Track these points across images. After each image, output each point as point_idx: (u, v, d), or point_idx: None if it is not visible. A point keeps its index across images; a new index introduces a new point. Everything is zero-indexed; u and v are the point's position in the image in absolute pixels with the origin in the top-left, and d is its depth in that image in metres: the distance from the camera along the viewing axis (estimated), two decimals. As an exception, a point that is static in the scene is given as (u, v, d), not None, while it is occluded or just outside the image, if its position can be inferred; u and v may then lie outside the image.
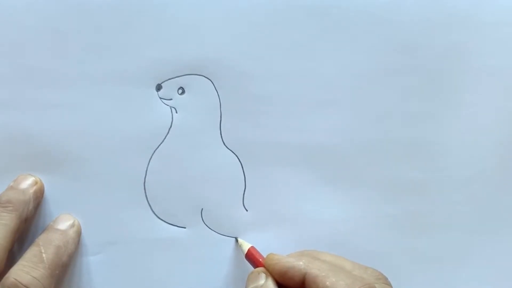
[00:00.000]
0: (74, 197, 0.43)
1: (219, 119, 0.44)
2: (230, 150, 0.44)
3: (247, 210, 0.45)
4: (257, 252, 0.43)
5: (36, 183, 0.42)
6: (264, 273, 0.40)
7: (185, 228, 0.44)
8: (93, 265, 0.44)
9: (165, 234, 0.44)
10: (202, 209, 0.44)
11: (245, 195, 0.44)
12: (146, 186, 0.43)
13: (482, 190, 0.46)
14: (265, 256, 0.41)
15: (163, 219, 0.44)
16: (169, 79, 0.43)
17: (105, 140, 0.43)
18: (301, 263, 0.39)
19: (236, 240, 0.44)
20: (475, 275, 0.46)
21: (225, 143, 0.44)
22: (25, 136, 0.43)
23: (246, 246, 0.43)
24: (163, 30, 0.43)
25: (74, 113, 0.43)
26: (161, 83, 0.43)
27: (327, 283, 0.37)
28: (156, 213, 0.44)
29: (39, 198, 0.43)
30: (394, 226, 0.45)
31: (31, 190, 0.42)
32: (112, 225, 0.43)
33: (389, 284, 0.39)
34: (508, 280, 0.46)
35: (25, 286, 0.38)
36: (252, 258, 0.42)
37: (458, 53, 0.45)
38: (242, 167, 0.44)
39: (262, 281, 0.40)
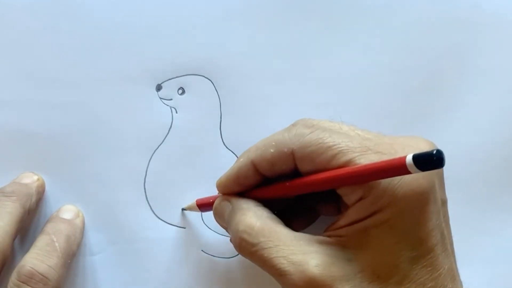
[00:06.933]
0: (74, 197, 0.43)
1: (219, 119, 0.44)
2: (230, 151, 0.44)
3: (247, 210, 0.44)
4: (204, 198, 0.42)
5: (38, 179, 0.43)
6: (224, 199, 0.39)
7: (185, 228, 0.44)
8: (94, 265, 0.44)
9: (165, 234, 0.44)
10: (202, 209, 0.44)
11: (245, 195, 0.44)
12: (146, 186, 0.43)
13: (482, 190, 0.46)
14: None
15: (163, 219, 0.44)
16: (169, 79, 0.43)
17: (105, 140, 0.43)
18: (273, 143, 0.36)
19: (183, 210, 0.43)
20: (475, 275, 0.46)
21: (225, 143, 0.44)
22: (25, 136, 0.43)
23: (193, 204, 0.42)
24: (163, 30, 0.43)
25: (74, 113, 0.43)
26: (161, 83, 0.43)
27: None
28: (156, 213, 0.44)
29: (41, 193, 0.43)
30: (394, 226, 0.45)
31: (34, 185, 0.42)
32: (112, 225, 0.43)
33: None
34: (508, 280, 0.46)
35: (41, 274, 0.38)
36: (204, 203, 0.41)
37: (458, 53, 0.45)
38: (242, 167, 0.44)
39: (228, 208, 0.38)
